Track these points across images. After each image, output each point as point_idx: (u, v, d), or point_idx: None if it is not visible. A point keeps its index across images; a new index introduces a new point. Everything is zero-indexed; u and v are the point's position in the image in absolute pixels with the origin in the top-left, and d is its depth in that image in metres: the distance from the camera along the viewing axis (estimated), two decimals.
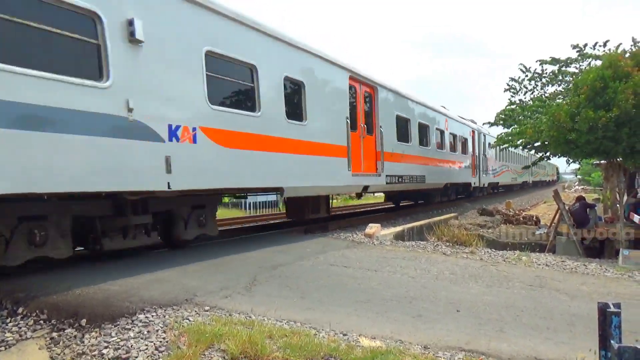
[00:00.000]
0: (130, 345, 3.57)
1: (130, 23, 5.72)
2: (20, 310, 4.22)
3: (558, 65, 13.88)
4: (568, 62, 13.68)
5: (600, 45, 13.13)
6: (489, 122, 15.74)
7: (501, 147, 17.08)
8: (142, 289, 4.90)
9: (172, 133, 6.33)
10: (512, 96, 14.98)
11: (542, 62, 14.05)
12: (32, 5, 5.00)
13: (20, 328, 3.91)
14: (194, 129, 6.68)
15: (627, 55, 10.68)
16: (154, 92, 6.10)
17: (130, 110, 5.70)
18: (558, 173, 77.08)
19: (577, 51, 13.42)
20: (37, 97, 4.83)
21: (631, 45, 12.40)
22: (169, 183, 6.22)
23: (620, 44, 12.55)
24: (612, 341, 2.56)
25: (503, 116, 15.05)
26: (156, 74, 6.16)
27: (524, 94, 14.98)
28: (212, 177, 7.07)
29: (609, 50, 12.71)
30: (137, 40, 5.79)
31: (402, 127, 13.90)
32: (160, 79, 6.21)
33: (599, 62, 12.12)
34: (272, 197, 22.47)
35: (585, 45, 13.36)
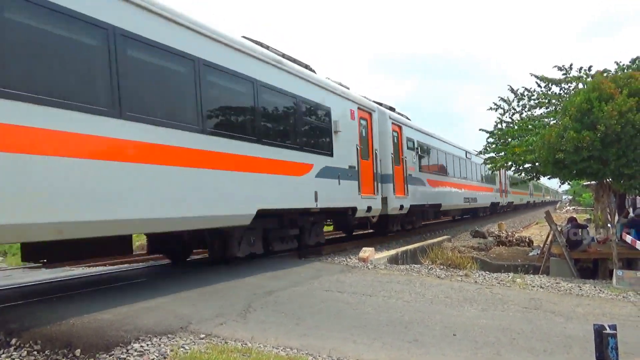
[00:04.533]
0: None
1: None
2: (13, 341, 4.15)
3: (544, 84, 14.11)
4: (556, 82, 13.92)
5: (585, 70, 13.43)
6: (483, 150, 15.90)
7: (494, 170, 17.43)
8: (136, 318, 4.85)
9: None
10: (500, 115, 15.13)
11: (542, 79, 14.13)
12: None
13: (13, 359, 3.85)
14: None
15: (610, 75, 10.99)
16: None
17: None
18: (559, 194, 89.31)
19: (562, 73, 13.70)
20: None
21: (615, 69, 12.69)
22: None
23: (606, 69, 12.83)
24: None
25: (492, 140, 15.22)
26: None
27: (512, 115, 15.18)
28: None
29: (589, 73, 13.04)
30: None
31: None
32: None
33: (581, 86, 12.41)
34: None
35: (571, 66, 13.64)
